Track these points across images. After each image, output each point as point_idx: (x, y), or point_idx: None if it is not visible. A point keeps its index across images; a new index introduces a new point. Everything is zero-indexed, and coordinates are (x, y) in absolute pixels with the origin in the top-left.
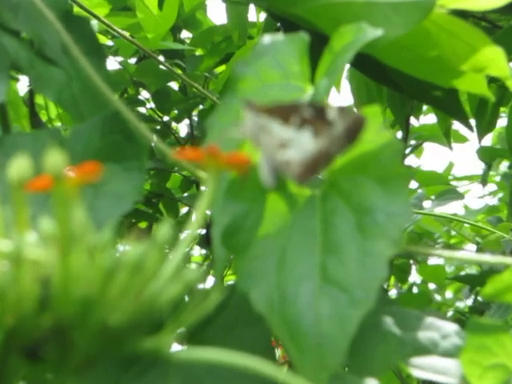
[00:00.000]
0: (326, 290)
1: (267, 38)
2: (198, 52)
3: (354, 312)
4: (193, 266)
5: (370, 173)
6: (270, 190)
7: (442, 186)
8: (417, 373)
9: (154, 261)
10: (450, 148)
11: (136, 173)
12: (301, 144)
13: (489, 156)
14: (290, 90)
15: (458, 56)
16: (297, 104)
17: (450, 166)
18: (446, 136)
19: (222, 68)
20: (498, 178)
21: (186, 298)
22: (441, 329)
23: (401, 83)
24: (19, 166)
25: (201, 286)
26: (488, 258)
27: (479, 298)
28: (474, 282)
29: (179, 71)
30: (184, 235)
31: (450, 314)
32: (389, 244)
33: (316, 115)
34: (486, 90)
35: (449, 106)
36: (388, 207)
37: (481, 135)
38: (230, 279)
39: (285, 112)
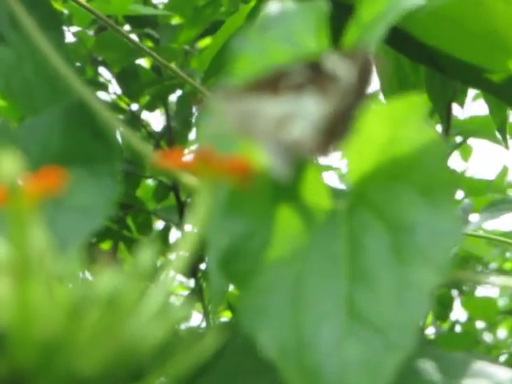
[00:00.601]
0: (354, 330)
1: (275, 6)
2: (176, 20)
3: (388, 358)
4: (179, 301)
5: (409, 181)
6: (280, 201)
7: (494, 196)
8: None
9: (133, 294)
10: (506, 147)
11: (107, 179)
12: (306, 114)
13: None
14: None
15: None
16: (283, 69)
17: (505, 170)
18: (500, 131)
19: (206, 41)
20: None
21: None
22: (493, 376)
23: (443, 61)
24: None
25: (187, 325)
26: None
27: None
28: None
29: (151, 44)
30: (169, 262)
31: (503, 357)
32: (433, 272)
33: (312, 74)
34: None
35: (506, 91)
36: (433, 225)
37: None
38: (224, 315)
39: (272, 84)
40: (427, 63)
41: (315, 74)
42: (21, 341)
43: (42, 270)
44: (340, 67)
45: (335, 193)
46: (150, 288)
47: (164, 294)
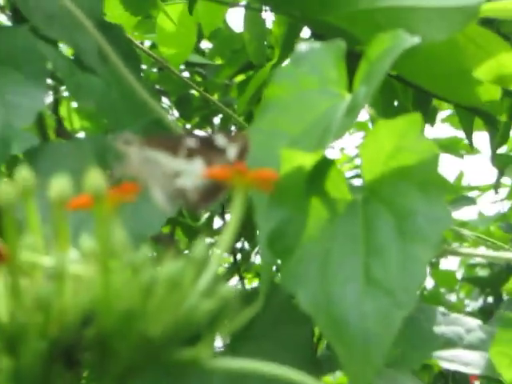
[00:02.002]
0: (370, 291)
1: (304, 46)
2: (218, 61)
3: (397, 313)
4: (227, 281)
5: (411, 179)
6: (311, 196)
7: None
8: (445, 365)
9: (190, 275)
10: (472, 150)
11: None
12: (194, 173)
13: (502, 163)
14: (328, 96)
15: (483, 70)
16: (181, 136)
17: (461, 175)
18: (467, 136)
19: (240, 77)
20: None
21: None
22: (465, 324)
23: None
24: (59, 184)
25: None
26: None
27: (489, 299)
28: (484, 283)
29: (199, 79)
30: (216, 243)
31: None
32: (429, 248)
33: (205, 145)
34: (499, 108)
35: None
36: (429, 212)
37: (494, 147)
38: (253, 281)
39: (170, 144)
40: (416, 87)
41: (206, 147)
42: (105, 312)
43: (121, 258)
44: (228, 144)
45: (353, 188)
46: (202, 268)
47: (214, 269)
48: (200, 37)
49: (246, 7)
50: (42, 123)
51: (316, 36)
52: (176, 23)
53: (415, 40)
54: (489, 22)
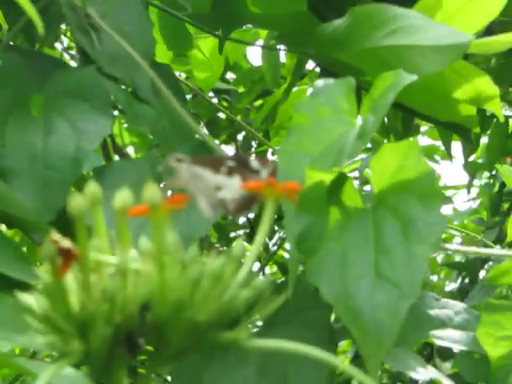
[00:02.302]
0: (380, 285)
1: (320, 82)
2: (240, 89)
3: (403, 303)
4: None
5: (412, 191)
6: (331, 204)
7: None
8: (438, 342)
9: (231, 271)
10: (451, 159)
11: None
12: (232, 187)
13: (473, 169)
14: (341, 124)
15: (462, 93)
16: (222, 157)
17: (438, 177)
18: (446, 148)
19: (258, 102)
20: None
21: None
22: (454, 307)
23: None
24: (122, 196)
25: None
26: (485, 250)
27: (465, 281)
28: (461, 268)
29: (225, 104)
30: (251, 252)
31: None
32: (428, 248)
33: (241, 165)
34: (475, 123)
35: (451, 125)
36: (427, 218)
37: (466, 156)
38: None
39: (213, 163)
40: (404, 108)
41: (242, 167)
42: (160, 302)
43: (174, 256)
44: (260, 167)
45: (364, 198)
46: (240, 265)
47: (250, 264)
48: (225, 69)
49: (263, 47)
50: (105, 145)
51: (322, 69)
52: (207, 56)
53: (413, 77)
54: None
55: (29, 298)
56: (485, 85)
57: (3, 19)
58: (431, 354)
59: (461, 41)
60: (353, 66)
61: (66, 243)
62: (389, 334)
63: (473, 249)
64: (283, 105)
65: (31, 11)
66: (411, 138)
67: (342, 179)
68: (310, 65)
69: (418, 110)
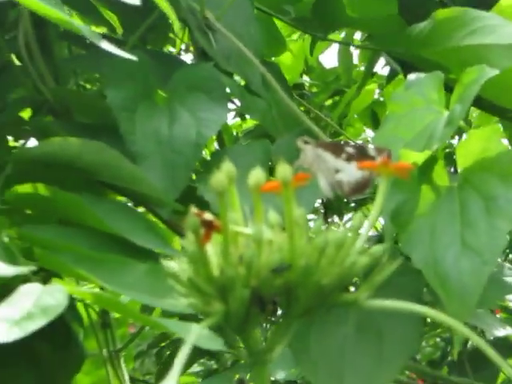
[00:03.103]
0: (465, 253)
1: (413, 76)
2: (314, 89)
3: (485, 269)
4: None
5: (493, 171)
6: (421, 184)
7: None
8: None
9: (351, 240)
10: None
11: None
12: (349, 172)
13: None
14: (431, 112)
15: None
16: (343, 143)
17: None
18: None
19: (330, 101)
20: None
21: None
22: None
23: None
24: (256, 174)
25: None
26: None
27: None
28: None
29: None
30: (367, 223)
31: None
32: (509, 221)
33: (360, 152)
34: None
35: None
36: (508, 195)
37: None
38: None
39: (335, 148)
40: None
41: (362, 154)
42: (292, 267)
43: (302, 227)
44: (376, 154)
45: (451, 177)
46: (358, 236)
47: (367, 234)
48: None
49: (357, 46)
50: (220, 132)
51: (400, 66)
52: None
53: (495, 71)
54: None
55: (173, 265)
56: None
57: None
58: None
59: None
60: (437, 63)
61: (208, 216)
62: (472, 295)
63: None
64: (355, 101)
65: (171, 14)
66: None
67: (432, 160)
68: (377, 68)
69: (495, 102)
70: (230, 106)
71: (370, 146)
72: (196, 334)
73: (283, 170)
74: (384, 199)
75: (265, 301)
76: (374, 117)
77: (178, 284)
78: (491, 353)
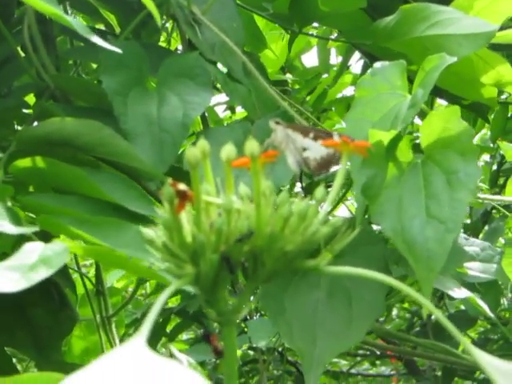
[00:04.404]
0: (430, 222)
1: (378, 64)
2: (296, 86)
3: (449, 236)
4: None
5: (454, 148)
6: (388, 160)
7: None
8: (470, 272)
9: (313, 211)
10: None
11: None
12: (315, 149)
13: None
14: (396, 97)
15: (487, 78)
16: (311, 127)
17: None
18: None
19: (309, 96)
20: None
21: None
22: (480, 244)
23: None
24: (228, 149)
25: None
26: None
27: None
28: (466, 228)
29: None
30: (330, 196)
31: None
32: (468, 193)
33: (326, 135)
34: (496, 104)
35: (474, 106)
36: (467, 169)
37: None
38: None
39: (303, 129)
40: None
41: (325, 135)
42: (258, 234)
43: (268, 199)
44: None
45: (415, 154)
46: (320, 207)
47: (328, 206)
48: (284, 70)
49: (320, 38)
50: (203, 114)
51: (368, 58)
52: (275, 53)
53: (453, 59)
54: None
55: (150, 232)
56: (505, 71)
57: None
58: (442, 294)
59: (487, 30)
60: (401, 54)
61: (182, 186)
62: (438, 260)
63: (497, 197)
64: (331, 89)
65: (153, 10)
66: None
67: (397, 139)
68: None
69: (451, 91)
70: (221, 99)
71: (335, 134)
72: (166, 296)
73: (251, 145)
74: (356, 173)
75: (234, 265)
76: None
77: (154, 249)
78: (449, 325)
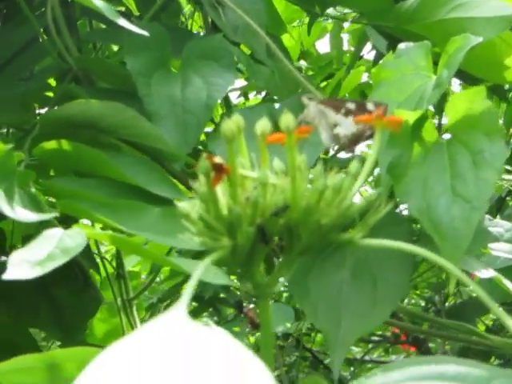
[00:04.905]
0: (455, 201)
1: (403, 45)
2: (310, 72)
3: (474, 214)
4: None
5: (479, 128)
6: (414, 140)
7: None
8: (494, 252)
9: (348, 185)
10: None
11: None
12: (346, 126)
13: None
14: (420, 77)
15: (510, 60)
16: (343, 99)
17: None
18: None
19: (324, 83)
20: None
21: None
22: (504, 225)
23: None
24: (262, 124)
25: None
26: None
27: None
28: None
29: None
30: (363, 170)
31: None
32: (494, 172)
33: (358, 108)
34: None
35: (498, 89)
36: (492, 149)
37: None
38: None
39: (335, 104)
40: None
41: (360, 109)
42: (293, 207)
43: (303, 173)
44: (373, 109)
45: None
46: (353, 182)
47: (362, 180)
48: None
49: (339, 19)
50: (226, 96)
51: (389, 41)
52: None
53: (479, 39)
54: None
55: (185, 205)
56: None
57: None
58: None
59: (510, 13)
60: (423, 36)
61: (218, 159)
62: (463, 238)
63: None
64: (345, 81)
65: None
66: None
67: (423, 119)
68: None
69: (473, 73)
70: (235, 85)
71: (369, 102)
72: (203, 268)
73: (287, 119)
74: (381, 153)
75: (270, 238)
76: (363, 97)
77: (190, 223)
78: (483, 295)
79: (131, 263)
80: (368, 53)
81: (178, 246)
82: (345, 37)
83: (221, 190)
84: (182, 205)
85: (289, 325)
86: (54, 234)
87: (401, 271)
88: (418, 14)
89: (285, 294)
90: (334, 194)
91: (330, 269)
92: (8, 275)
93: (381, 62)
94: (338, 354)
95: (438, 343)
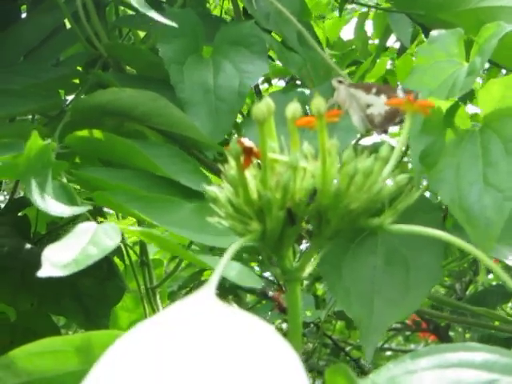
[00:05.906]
0: (488, 190)
1: (435, 32)
2: (335, 58)
3: (506, 204)
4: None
5: None
6: (447, 127)
7: None
8: None
9: (378, 169)
10: None
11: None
12: (379, 104)
13: None
14: (453, 64)
15: None
16: (373, 83)
17: None
18: None
19: (348, 69)
20: None
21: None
22: None
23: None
24: (292, 107)
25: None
26: None
27: None
28: None
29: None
30: (393, 154)
31: None
32: None
33: (389, 92)
34: None
35: None
36: None
37: None
38: None
39: (366, 86)
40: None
41: (391, 91)
42: (324, 192)
43: (333, 156)
44: (403, 92)
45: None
46: (384, 166)
47: (393, 164)
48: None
49: (368, 6)
50: (257, 86)
51: (422, 29)
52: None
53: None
54: None
55: (215, 189)
56: None
57: None
58: (477, 269)
59: None
60: (454, 24)
61: (248, 143)
62: (495, 228)
63: None
64: (370, 73)
65: None
66: None
67: (456, 106)
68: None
69: (503, 63)
70: None
71: (399, 88)
72: (234, 250)
73: (317, 102)
74: (414, 141)
75: (300, 222)
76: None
77: (218, 206)
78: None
79: (152, 251)
80: (394, 43)
81: (211, 244)
82: (369, 26)
83: (251, 174)
84: (211, 188)
85: (309, 313)
86: (88, 229)
87: (433, 258)
88: (449, 2)
89: (305, 282)
90: (364, 179)
91: (363, 255)
92: (43, 272)
93: (417, 48)
94: (370, 340)
95: (459, 332)
